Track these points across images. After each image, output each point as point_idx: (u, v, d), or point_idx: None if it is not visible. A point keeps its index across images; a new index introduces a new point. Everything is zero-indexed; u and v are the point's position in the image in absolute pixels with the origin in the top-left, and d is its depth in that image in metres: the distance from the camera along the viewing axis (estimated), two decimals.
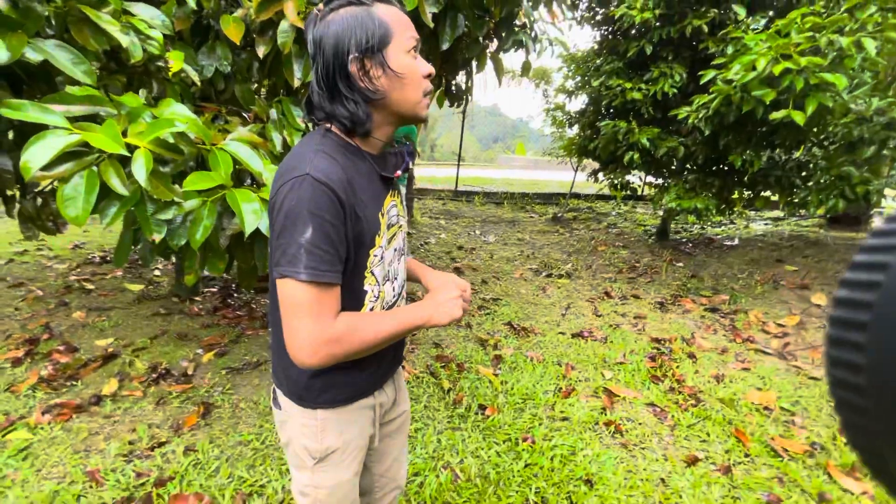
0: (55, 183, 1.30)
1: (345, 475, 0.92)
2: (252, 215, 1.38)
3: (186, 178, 1.32)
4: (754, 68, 2.85)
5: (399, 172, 0.90)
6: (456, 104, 3.48)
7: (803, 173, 4.17)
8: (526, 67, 3.02)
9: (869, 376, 0.22)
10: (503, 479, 1.76)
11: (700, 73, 3.53)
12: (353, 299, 0.83)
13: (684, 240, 5.54)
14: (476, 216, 6.90)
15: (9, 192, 1.70)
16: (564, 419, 2.20)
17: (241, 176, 1.82)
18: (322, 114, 0.80)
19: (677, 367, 2.76)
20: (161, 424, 1.94)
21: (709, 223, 6.25)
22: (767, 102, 2.88)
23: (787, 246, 4.83)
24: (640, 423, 2.22)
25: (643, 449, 2.04)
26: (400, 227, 0.95)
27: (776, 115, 2.90)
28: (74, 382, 2.21)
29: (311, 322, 0.72)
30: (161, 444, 1.80)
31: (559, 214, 6.85)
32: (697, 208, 4.04)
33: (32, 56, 1.25)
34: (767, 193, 4.75)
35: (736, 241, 5.21)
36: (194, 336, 2.78)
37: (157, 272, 3.77)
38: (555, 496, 1.69)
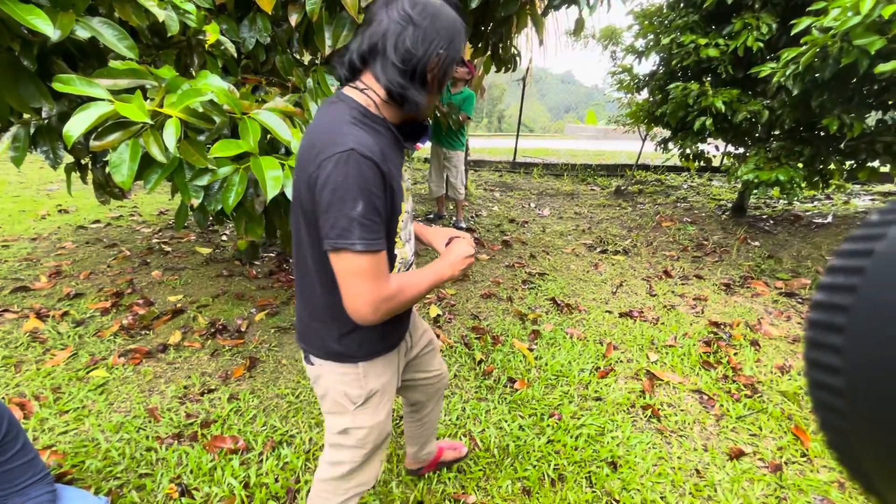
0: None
1: (381, 415, 1.04)
2: (273, 182, 1.44)
3: (214, 145, 1.39)
4: (858, 12, 2.40)
5: (420, 145, 0.98)
6: (505, 69, 3.33)
7: None
8: (579, 25, 2.79)
9: (847, 378, 0.22)
10: (522, 453, 1.74)
11: (792, 22, 3.04)
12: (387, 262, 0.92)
13: (765, 216, 4.96)
14: (532, 189, 6.67)
15: (83, 162, 1.92)
16: (598, 399, 2.12)
17: (277, 145, 1.89)
18: (387, 81, 0.81)
19: (735, 354, 2.53)
20: (212, 374, 2.14)
21: (797, 198, 5.53)
22: (873, 52, 2.42)
23: None
24: (681, 410, 2.07)
25: (681, 437, 1.91)
26: (408, 190, 1.01)
27: (884, 67, 2.43)
28: (148, 332, 2.50)
29: (371, 285, 0.79)
30: (210, 391, 2.00)
31: (623, 187, 6.41)
32: (780, 180, 3.57)
33: (81, 33, 1.36)
34: (876, 164, 4.08)
35: (829, 219, 4.57)
36: (250, 296, 3.02)
37: (224, 237, 4.11)
38: (573, 475, 1.65)
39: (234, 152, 1.43)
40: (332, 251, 0.78)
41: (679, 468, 1.72)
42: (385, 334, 1.00)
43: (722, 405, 2.10)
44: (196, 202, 1.56)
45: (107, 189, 1.95)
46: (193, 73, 1.86)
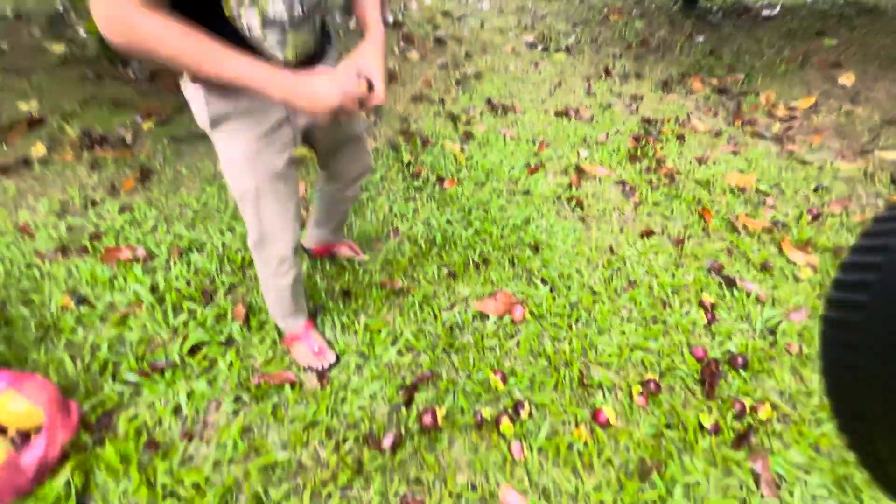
0: None
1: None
2: None
3: None
4: None
5: None
6: None
7: None
8: None
9: (867, 355, 0.22)
10: (449, 243, 1.75)
11: None
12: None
13: (715, 8, 4.62)
14: None
15: None
16: (526, 193, 2.11)
17: None
18: None
19: (661, 148, 2.56)
20: (95, 187, 1.84)
21: None
22: None
23: (836, 15, 4.03)
24: (604, 200, 2.13)
25: (601, 222, 1.99)
26: None
27: None
28: None
29: None
30: (95, 204, 1.74)
31: None
32: None
33: None
34: None
35: (776, 11, 4.34)
36: (131, 103, 2.50)
37: (81, 31, 3.21)
38: (497, 259, 1.70)
39: None
40: None
41: (595, 247, 1.83)
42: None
43: (641, 193, 2.18)
44: None
45: None
46: None
